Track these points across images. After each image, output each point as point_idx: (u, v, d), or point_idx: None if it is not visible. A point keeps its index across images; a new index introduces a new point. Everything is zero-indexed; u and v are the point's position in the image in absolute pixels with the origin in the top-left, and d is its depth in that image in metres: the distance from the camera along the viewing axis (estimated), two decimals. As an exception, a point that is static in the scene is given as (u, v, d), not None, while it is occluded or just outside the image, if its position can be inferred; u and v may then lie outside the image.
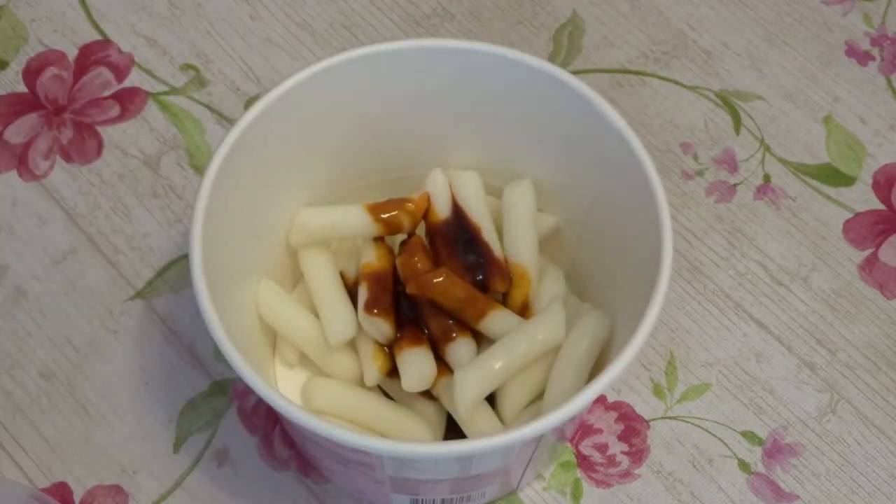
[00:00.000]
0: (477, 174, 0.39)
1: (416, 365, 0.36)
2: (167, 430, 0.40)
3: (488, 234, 0.38)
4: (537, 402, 0.37)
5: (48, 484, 0.39)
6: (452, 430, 0.38)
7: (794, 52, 0.49)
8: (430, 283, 0.36)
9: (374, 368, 0.37)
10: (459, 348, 0.36)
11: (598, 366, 0.36)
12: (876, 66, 0.49)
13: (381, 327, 0.36)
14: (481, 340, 0.38)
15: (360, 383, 0.38)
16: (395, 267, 0.38)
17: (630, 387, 0.41)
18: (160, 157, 0.46)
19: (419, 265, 0.37)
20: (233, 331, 0.32)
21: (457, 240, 0.38)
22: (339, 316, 0.37)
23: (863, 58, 0.49)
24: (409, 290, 0.37)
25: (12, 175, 0.45)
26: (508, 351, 0.35)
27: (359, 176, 0.40)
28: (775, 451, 0.41)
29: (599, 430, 0.41)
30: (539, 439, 0.33)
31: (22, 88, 0.47)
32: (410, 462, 0.31)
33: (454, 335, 0.37)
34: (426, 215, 0.39)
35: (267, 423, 0.40)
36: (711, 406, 0.41)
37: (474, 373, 0.35)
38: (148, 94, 0.47)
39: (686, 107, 0.48)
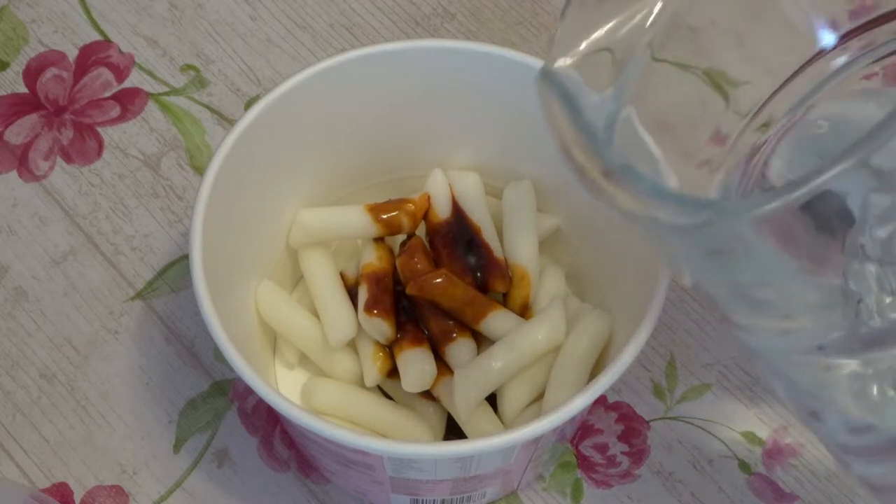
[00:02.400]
0: (477, 174, 0.39)
1: (417, 365, 0.36)
2: (167, 430, 0.40)
3: (488, 234, 0.38)
4: (537, 402, 0.37)
5: (48, 484, 0.39)
6: (452, 431, 0.38)
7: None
8: (430, 284, 0.36)
9: (374, 369, 0.37)
10: (459, 349, 0.36)
11: (598, 366, 0.36)
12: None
13: (382, 327, 0.36)
14: (481, 341, 0.38)
15: (361, 384, 0.38)
16: (395, 267, 0.38)
17: (630, 387, 0.41)
18: (160, 158, 0.46)
19: (419, 266, 0.37)
20: (233, 331, 0.32)
21: (457, 240, 0.38)
22: (340, 316, 0.37)
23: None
24: (409, 290, 0.37)
25: (12, 175, 0.45)
26: (508, 351, 0.35)
27: (359, 176, 0.40)
28: (775, 451, 0.41)
29: (599, 431, 0.41)
30: (539, 439, 0.33)
31: (22, 89, 0.47)
32: (410, 462, 0.31)
33: (454, 336, 0.37)
34: (426, 216, 0.39)
35: (267, 423, 0.40)
36: (711, 406, 0.41)
37: (474, 373, 0.35)
38: (148, 94, 0.47)
39: (686, 107, 0.47)
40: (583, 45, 0.27)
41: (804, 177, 0.20)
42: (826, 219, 0.23)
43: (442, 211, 0.38)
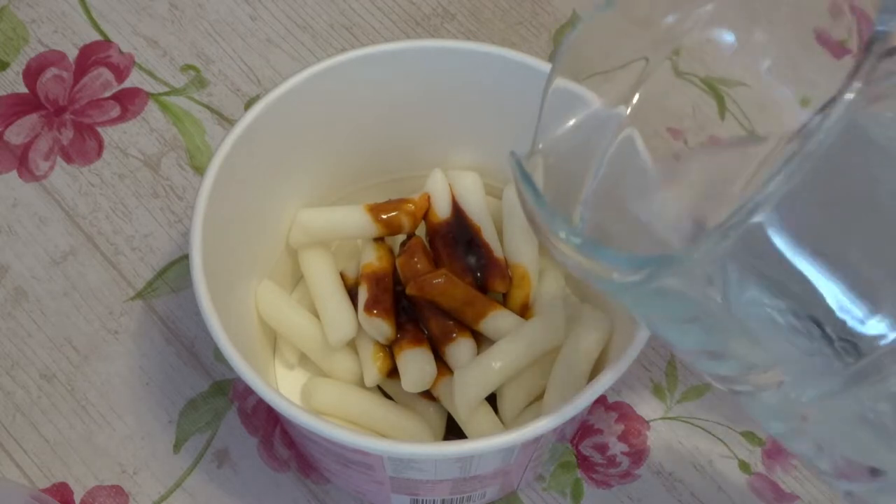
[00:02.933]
0: (477, 174, 0.39)
1: (417, 365, 0.36)
2: (167, 430, 0.40)
3: (488, 234, 0.38)
4: (537, 402, 0.37)
5: (48, 484, 0.39)
6: (452, 431, 0.38)
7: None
8: (430, 285, 0.36)
9: (374, 369, 0.37)
10: (459, 349, 0.36)
11: (598, 366, 0.36)
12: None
13: (381, 327, 0.36)
14: (481, 341, 0.38)
15: (361, 383, 0.38)
16: (395, 267, 0.38)
17: (630, 387, 0.41)
18: (160, 158, 0.46)
19: (419, 266, 0.37)
20: (233, 331, 0.32)
21: (457, 240, 0.38)
22: (340, 316, 0.37)
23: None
24: (409, 291, 0.37)
25: (12, 175, 0.45)
26: (508, 351, 0.35)
27: (359, 176, 0.40)
28: (776, 451, 0.40)
29: (599, 431, 0.41)
30: (539, 439, 0.33)
31: (22, 89, 0.47)
32: (410, 462, 0.31)
33: (454, 336, 0.37)
34: (426, 216, 0.39)
35: (267, 423, 0.40)
36: (712, 406, 0.41)
37: (474, 373, 0.35)
38: (148, 94, 0.47)
39: (686, 107, 0.47)
40: (601, 58, 0.28)
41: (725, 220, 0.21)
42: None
43: (442, 211, 0.38)
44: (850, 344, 0.23)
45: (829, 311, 0.23)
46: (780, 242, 0.22)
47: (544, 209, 0.26)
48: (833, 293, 0.22)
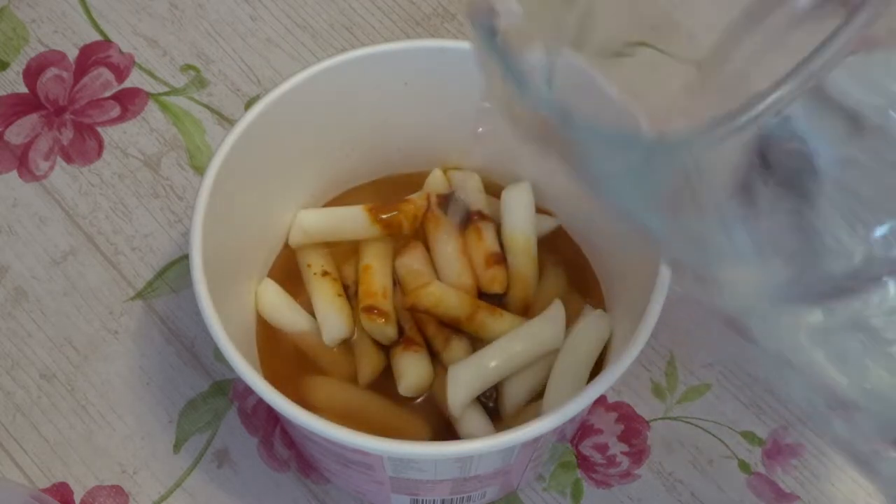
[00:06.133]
0: (477, 174, 0.39)
1: (413, 370, 0.36)
2: (167, 430, 0.40)
3: (488, 234, 0.38)
4: (537, 401, 0.37)
5: (48, 484, 0.39)
6: (452, 432, 0.38)
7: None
8: (424, 296, 0.36)
9: (368, 370, 0.37)
10: (457, 351, 0.36)
11: (598, 366, 0.36)
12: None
13: (383, 329, 0.36)
14: (482, 342, 0.38)
15: (358, 383, 0.38)
16: (394, 268, 0.38)
17: (630, 387, 0.41)
18: (160, 158, 0.46)
19: (417, 268, 0.37)
20: (233, 331, 0.32)
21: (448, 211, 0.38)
22: (336, 316, 0.37)
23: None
24: (406, 301, 0.37)
25: (12, 175, 0.45)
26: (504, 350, 0.35)
27: (359, 176, 0.40)
28: (775, 451, 0.41)
29: (599, 431, 0.41)
30: (539, 439, 0.33)
31: (22, 89, 0.47)
32: (410, 462, 0.31)
33: (452, 338, 0.37)
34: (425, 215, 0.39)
35: (267, 423, 0.40)
36: (711, 406, 0.41)
37: (467, 370, 0.35)
38: (148, 94, 0.47)
39: (686, 107, 0.47)
40: None
41: (743, 105, 0.20)
42: (789, 176, 0.22)
43: (442, 211, 0.38)
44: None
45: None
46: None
47: (518, 76, 0.23)
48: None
